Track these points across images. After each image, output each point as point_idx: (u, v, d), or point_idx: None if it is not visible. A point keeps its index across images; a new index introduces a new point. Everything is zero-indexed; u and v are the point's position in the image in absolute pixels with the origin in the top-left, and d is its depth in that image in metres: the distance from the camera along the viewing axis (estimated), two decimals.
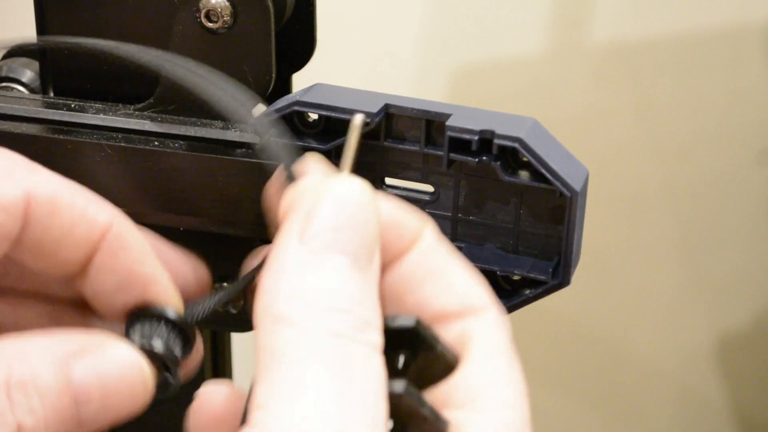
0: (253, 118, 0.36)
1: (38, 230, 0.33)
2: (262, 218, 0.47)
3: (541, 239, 0.46)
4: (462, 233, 0.48)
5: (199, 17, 0.47)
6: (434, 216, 0.48)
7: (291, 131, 0.47)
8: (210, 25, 0.47)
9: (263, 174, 0.47)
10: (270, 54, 0.47)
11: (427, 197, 0.48)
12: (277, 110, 0.46)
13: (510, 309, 0.46)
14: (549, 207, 0.46)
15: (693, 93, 1.16)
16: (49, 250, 0.34)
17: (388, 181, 0.48)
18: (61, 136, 0.48)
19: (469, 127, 0.44)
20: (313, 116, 0.47)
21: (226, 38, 0.47)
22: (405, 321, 0.33)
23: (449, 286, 0.34)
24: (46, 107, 0.49)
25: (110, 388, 0.32)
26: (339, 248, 0.32)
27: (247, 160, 0.47)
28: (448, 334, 0.34)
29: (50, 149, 0.48)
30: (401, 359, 0.33)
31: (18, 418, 0.29)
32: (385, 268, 0.34)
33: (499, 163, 0.44)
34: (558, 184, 0.43)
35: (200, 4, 0.46)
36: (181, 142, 0.48)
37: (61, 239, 0.34)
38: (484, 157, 0.44)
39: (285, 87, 0.52)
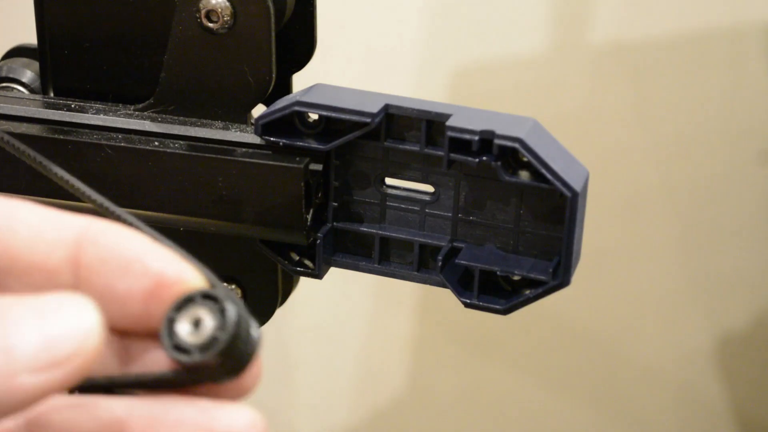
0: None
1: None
2: (262, 218, 0.48)
3: (541, 239, 0.46)
4: (462, 233, 0.48)
5: (199, 17, 0.47)
6: (434, 216, 0.48)
7: (291, 131, 0.47)
8: (210, 25, 0.47)
9: (263, 174, 0.47)
10: (270, 54, 0.47)
11: (427, 197, 0.48)
12: (277, 110, 0.46)
13: (510, 309, 0.47)
14: (549, 207, 0.46)
15: (693, 93, 1.16)
16: (24, 257, 0.33)
17: (388, 181, 0.48)
18: (61, 137, 0.48)
19: (470, 127, 0.44)
20: (314, 116, 0.47)
21: (226, 38, 0.47)
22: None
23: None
24: (46, 107, 0.49)
25: None
26: None
27: (247, 160, 0.47)
28: None
29: (50, 149, 0.48)
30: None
31: None
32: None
33: (499, 163, 0.44)
34: (558, 184, 0.43)
35: (200, 4, 0.46)
36: (181, 142, 0.48)
37: (31, 243, 0.32)
38: (485, 158, 0.44)
39: (285, 87, 0.52)
